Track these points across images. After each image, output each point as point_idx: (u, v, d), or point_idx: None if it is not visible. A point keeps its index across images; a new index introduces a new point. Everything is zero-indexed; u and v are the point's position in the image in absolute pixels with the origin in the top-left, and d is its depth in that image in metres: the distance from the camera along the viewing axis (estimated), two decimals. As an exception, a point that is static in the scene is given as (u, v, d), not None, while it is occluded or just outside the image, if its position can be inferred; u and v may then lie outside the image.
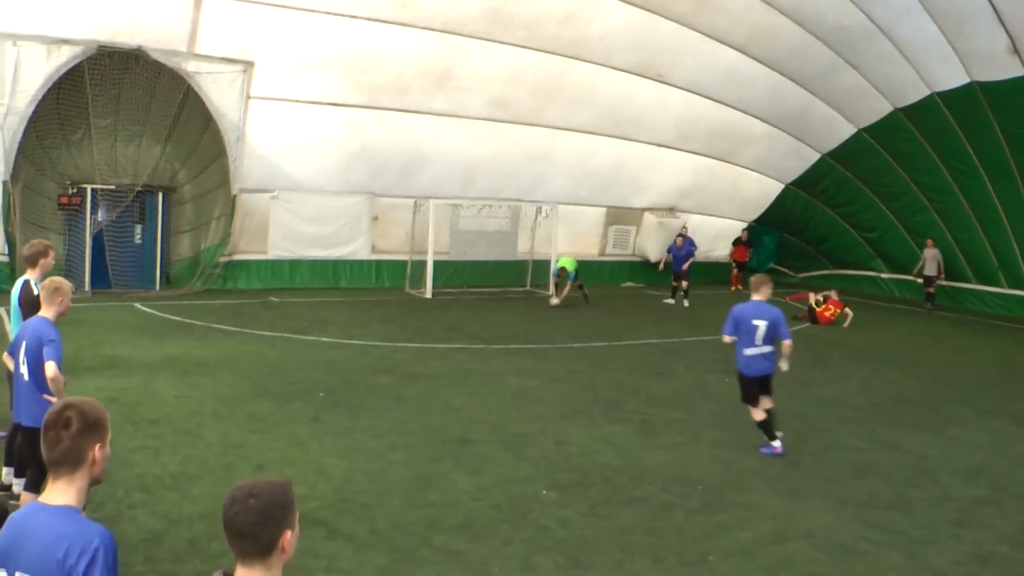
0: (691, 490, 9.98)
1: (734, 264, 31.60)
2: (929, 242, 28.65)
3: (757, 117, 28.23)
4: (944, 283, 29.63)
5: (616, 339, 19.46)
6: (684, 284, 26.18)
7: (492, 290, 26.61)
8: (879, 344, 20.98)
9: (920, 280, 29.33)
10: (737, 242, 31.88)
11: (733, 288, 30.10)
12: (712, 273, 31.88)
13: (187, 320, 19.11)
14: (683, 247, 26.85)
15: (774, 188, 32.08)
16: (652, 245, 30.85)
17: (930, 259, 28.69)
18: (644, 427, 12.52)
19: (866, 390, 15.86)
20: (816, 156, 30.21)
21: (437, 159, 25.91)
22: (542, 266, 27.25)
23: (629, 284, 30.90)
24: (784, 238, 34.15)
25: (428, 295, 24.97)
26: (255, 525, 3.03)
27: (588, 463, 10.71)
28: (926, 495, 10.40)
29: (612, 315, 23.49)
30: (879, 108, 27.36)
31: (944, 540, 9.05)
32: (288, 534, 3.10)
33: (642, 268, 31.36)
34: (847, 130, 28.67)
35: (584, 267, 26.94)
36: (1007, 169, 26.38)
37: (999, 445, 12.85)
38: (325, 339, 17.72)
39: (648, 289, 29.70)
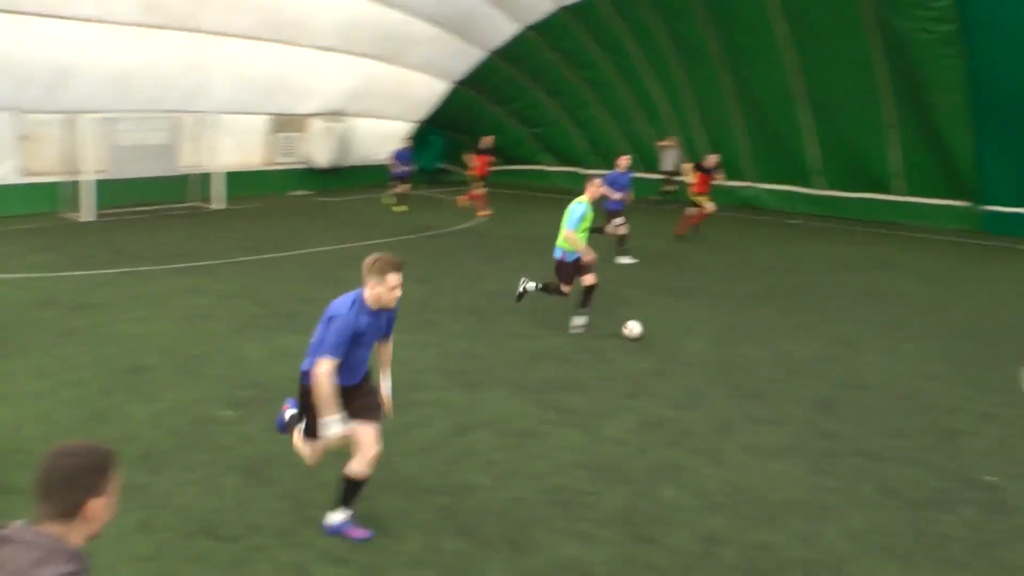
0: (375, 393, 9.90)
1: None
2: (669, 139, 29.01)
3: (421, 17, 27.99)
4: (600, 171, 30.81)
5: (288, 249, 19.01)
6: (621, 229, 18.83)
7: (157, 208, 25.28)
8: (552, 235, 21.53)
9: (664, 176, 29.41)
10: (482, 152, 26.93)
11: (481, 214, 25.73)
12: (381, 176, 31.72)
13: None
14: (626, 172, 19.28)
15: (441, 88, 32.17)
16: (320, 151, 30.26)
17: (669, 156, 29.01)
18: (322, 335, 12.29)
19: (540, 279, 16.25)
20: (482, 55, 30.48)
21: (87, 70, 23.97)
22: (208, 179, 26.17)
23: (299, 192, 30.20)
24: (453, 137, 34.40)
25: (88, 218, 23.43)
26: (61, 485, 2.92)
27: (267, 377, 10.41)
28: (599, 373, 10.85)
29: (283, 225, 22.93)
30: (543, 7, 27.90)
31: (617, 413, 9.48)
32: (95, 502, 2.91)
33: (311, 175, 30.64)
34: (513, 28, 29.06)
35: (251, 177, 26.14)
36: (667, 64, 27.74)
37: (666, 320, 13.59)
38: (-25, 274, 16.31)
39: (318, 196, 29.17)
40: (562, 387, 10.31)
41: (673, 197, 28.34)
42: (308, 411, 6.66)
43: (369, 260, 6.35)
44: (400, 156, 26.57)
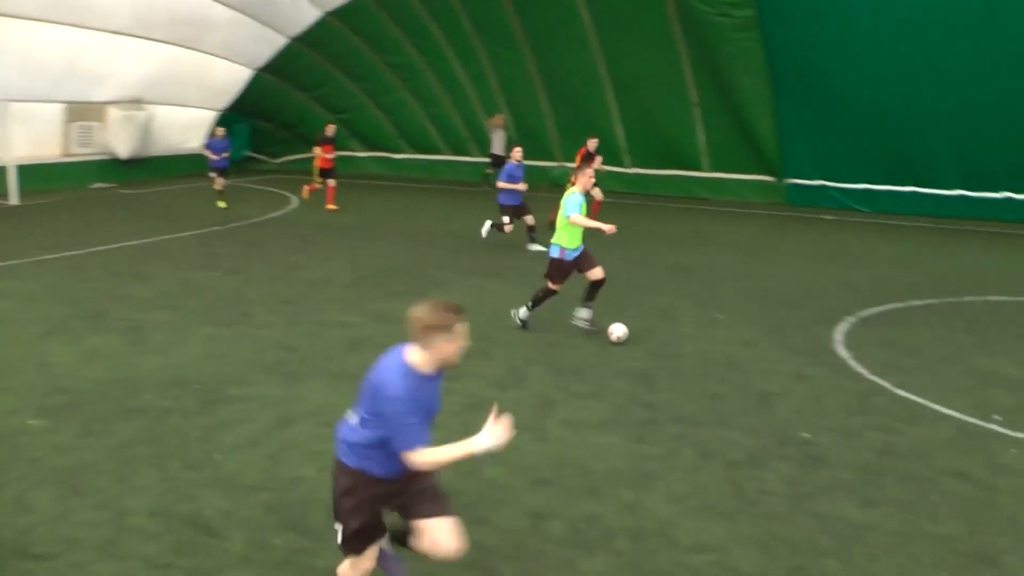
0: (189, 392, 9.55)
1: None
2: (497, 120, 28.63)
3: (219, 1, 27.19)
4: (424, 156, 30.84)
5: (92, 245, 18.19)
6: (508, 227, 18.48)
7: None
8: (363, 221, 21.38)
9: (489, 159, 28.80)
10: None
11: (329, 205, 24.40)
12: (185, 166, 30.83)
13: None
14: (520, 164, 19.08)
15: (244, 75, 31.32)
16: (120, 141, 28.91)
17: (497, 138, 28.55)
18: (133, 334, 11.79)
19: (354, 266, 16.11)
20: (284, 40, 29.86)
21: None
22: (0, 172, 24.79)
23: (99, 185, 28.83)
24: (258, 125, 33.65)
25: None
26: None
27: (77, 382, 9.89)
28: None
29: (84, 219, 21.91)
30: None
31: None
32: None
33: (112, 166, 29.23)
34: (313, 14, 28.56)
35: (47, 169, 24.95)
36: (471, 46, 27.81)
37: (481, 301, 13.59)
38: None
39: (121, 188, 28.00)
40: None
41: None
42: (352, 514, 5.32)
43: (424, 314, 4.90)
44: (214, 146, 24.90)
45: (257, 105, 32.28)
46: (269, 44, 29.86)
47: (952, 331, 12.71)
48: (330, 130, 24.68)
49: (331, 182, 23.68)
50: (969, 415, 9.31)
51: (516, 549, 6.43)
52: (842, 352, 11.45)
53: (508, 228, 18.26)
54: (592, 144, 21.34)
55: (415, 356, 5.00)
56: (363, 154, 33.52)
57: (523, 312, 12.36)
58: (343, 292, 14.10)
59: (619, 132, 27.11)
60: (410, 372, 4.95)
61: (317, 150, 24.17)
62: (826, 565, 6.28)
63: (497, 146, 28.42)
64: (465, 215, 22.30)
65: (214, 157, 24.59)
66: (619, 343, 11.50)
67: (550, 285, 12.13)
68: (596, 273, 12.06)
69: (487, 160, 29.07)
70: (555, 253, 12.04)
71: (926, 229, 22.44)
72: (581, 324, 12.24)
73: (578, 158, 19.82)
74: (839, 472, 7.76)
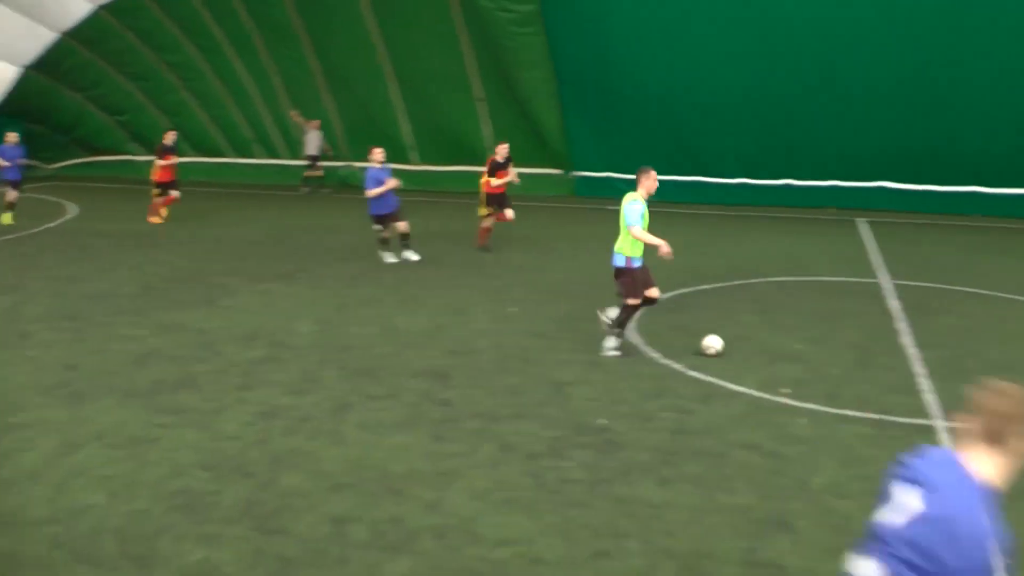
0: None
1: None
2: (312, 122, 27.36)
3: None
4: (191, 159, 29.82)
5: None
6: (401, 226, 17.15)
7: None
8: (146, 229, 20.54)
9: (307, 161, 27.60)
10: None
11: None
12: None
13: None
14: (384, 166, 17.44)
15: (8, 72, 29.48)
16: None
17: (312, 139, 27.41)
18: None
19: (139, 276, 15.44)
20: (54, 36, 28.26)
21: None
22: None
23: None
24: (29, 128, 31.81)
25: None
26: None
27: None
28: (210, 368, 10.38)
29: None
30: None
31: (233, 406, 9.10)
32: None
33: None
34: (85, 8, 27.14)
35: None
36: (252, 44, 27.13)
37: (270, 306, 13.27)
38: None
39: None
40: (173, 387, 9.75)
41: (319, 183, 27.48)
42: None
43: (1005, 400, 3.32)
44: (4, 153, 21.46)
45: (24, 106, 30.38)
46: (37, 39, 28.09)
47: (740, 312, 13.16)
48: (169, 138, 22.46)
49: (174, 193, 21.81)
50: (759, 391, 9.65)
51: (318, 557, 6.27)
52: (635, 338, 11.66)
53: (385, 235, 16.97)
54: (501, 151, 20.50)
55: (985, 466, 3.34)
56: (145, 158, 32.22)
57: (612, 344, 11.00)
58: (128, 304, 13.48)
59: (405, 129, 26.96)
60: (989, 495, 3.29)
61: (157, 161, 21.99)
62: (627, 546, 6.36)
63: (312, 147, 27.52)
64: (251, 219, 21.76)
65: (5, 165, 21.33)
66: (718, 355, 10.81)
67: (629, 302, 10.81)
68: (654, 292, 10.96)
69: (304, 163, 27.88)
70: (620, 262, 10.83)
71: (712, 217, 23.20)
72: (606, 324, 11.05)
73: (485, 171, 19.21)
74: (636, 455, 7.89)
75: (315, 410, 9.00)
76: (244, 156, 29.73)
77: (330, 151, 27.95)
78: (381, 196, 16.56)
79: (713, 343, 10.90)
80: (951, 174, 23.33)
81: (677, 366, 10.51)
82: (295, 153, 28.99)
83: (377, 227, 16.95)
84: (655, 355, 10.95)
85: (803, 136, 23.50)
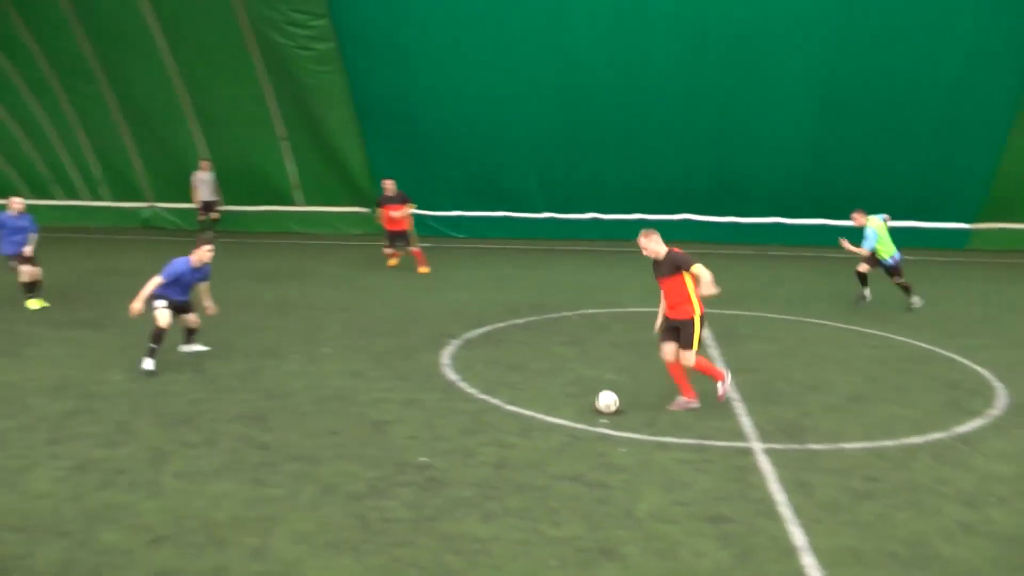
0: None
1: None
2: (203, 164, 25.85)
3: None
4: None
5: None
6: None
7: None
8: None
9: (199, 206, 26.14)
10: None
11: None
12: None
13: None
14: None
15: None
16: None
17: (204, 183, 25.90)
18: None
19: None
20: None
21: None
22: None
23: None
24: None
25: None
26: None
27: None
28: (18, 423, 9.94)
29: None
30: None
31: (43, 462, 8.75)
32: None
33: None
34: None
35: None
36: (46, 81, 26.18)
37: (78, 354, 12.84)
38: None
39: None
40: (-28, 444, 9.34)
41: (212, 226, 25.78)
42: None
43: None
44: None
45: None
46: None
47: (553, 345, 13.50)
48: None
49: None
50: (577, 422, 9.93)
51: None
52: (450, 375, 11.83)
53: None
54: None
55: None
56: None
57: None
58: None
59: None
60: None
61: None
62: (455, 583, 6.46)
63: (206, 192, 25.85)
64: (55, 264, 20.95)
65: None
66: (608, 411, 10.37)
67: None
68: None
69: (196, 206, 26.25)
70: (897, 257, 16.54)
71: (520, 251, 23.65)
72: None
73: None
74: (459, 491, 8.01)
75: (130, 461, 8.75)
76: (42, 197, 28.63)
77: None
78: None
79: (607, 400, 10.35)
80: (751, 206, 24.56)
81: (494, 400, 10.71)
82: (96, 195, 28.23)
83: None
84: (472, 391, 11.12)
85: (608, 170, 24.30)
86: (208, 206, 26.05)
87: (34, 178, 28.88)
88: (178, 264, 12.26)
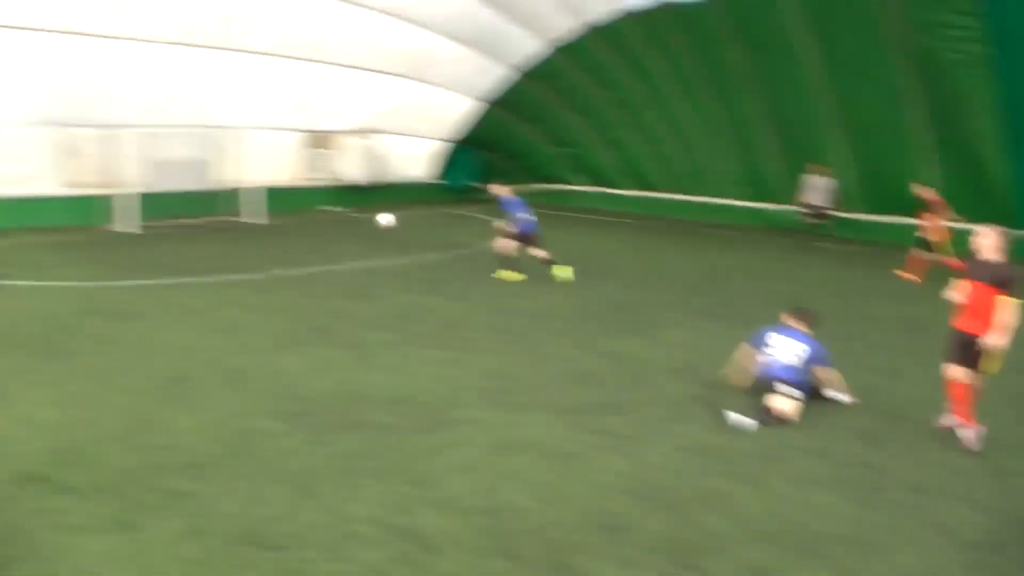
0: (412, 410, 9.79)
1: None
2: (814, 168, 25.98)
3: (448, 35, 28.05)
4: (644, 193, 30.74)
5: (323, 264, 19.02)
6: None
7: (196, 221, 25.53)
8: (581, 257, 21.26)
9: (805, 208, 26.38)
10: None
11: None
12: (412, 194, 32.12)
13: None
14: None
15: (470, 106, 32.17)
16: (352, 168, 30.43)
17: (815, 188, 25.98)
18: (359, 351, 12.23)
19: (572, 302, 16.20)
20: (506, 73, 30.44)
21: (126, 86, 24.37)
22: (243, 194, 26.62)
23: (331, 208, 30.23)
24: (487, 155, 34.37)
25: (131, 230, 23.67)
26: None
27: (307, 391, 10.36)
28: (639, 397, 10.60)
29: (318, 240, 22.98)
30: (566, 25, 27.89)
31: (657, 439, 9.21)
32: None
33: (343, 191, 30.89)
34: (542, 48, 29.02)
35: (285, 192, 26.41)
36: (697, 87, 27.45)
37: (704, 343, 13.38)
38: (27, 283, 16.46)
39: (352, 212, 29.26)
40: (602, 410, 10.09)
41: (822, 230, 26.39)
42: None
43: None
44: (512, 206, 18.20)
45: (483, 136, 33.05)
46: (496, 77, 30.65)
47: None
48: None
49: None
50: None
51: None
52: None
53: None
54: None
55: None
56: (584, 188, 34.03)
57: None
58: (565, 325, 14.18)
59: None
60: None
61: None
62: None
63: (816, 197, 25.97)
64: (689, 258, 22.07)
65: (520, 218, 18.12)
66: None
67: None
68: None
69: (806, 210, 26.56)
70: None
71: None
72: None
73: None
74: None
75: (742, 456, 8.89)
76: (675, 191, 30.24)
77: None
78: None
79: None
80: None
81: None
82: (725, 193, 29.32)
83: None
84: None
85: None
86: (818, 211, 25.91)
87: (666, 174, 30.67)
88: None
